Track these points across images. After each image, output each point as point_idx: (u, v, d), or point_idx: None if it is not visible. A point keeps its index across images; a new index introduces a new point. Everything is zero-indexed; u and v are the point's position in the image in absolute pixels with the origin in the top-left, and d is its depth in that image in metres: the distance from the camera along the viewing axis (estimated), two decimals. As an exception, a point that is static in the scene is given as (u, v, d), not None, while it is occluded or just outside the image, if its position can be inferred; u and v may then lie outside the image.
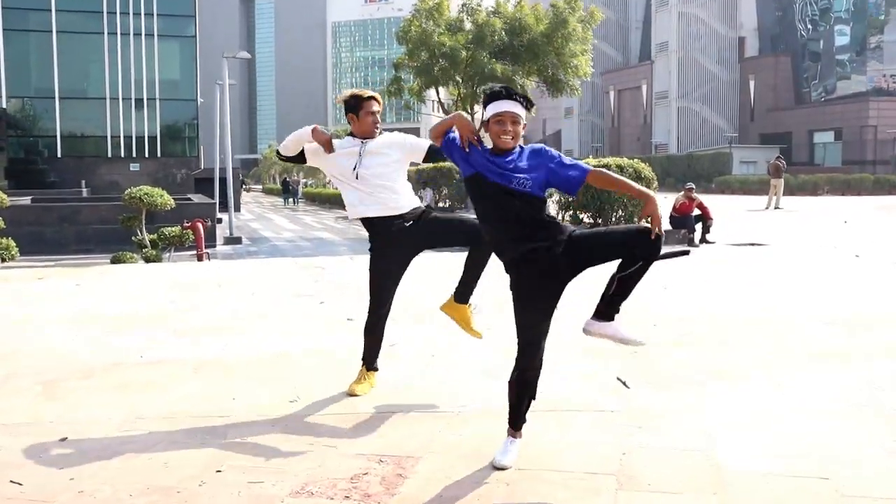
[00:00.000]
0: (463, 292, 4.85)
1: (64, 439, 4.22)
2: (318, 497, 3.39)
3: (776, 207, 26.56)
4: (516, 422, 3.78)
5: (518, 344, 3.70)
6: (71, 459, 3.90)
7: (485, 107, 3.74)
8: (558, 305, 3.73)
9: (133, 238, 14.55)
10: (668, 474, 3.54)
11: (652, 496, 3.32)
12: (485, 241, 4.32)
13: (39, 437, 4.27)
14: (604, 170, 3.81)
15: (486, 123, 3.70)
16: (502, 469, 3.60)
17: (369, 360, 5.00)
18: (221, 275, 11.53)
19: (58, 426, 4.44)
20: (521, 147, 3.71)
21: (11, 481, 3.62)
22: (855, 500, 3.27)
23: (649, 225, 3.55)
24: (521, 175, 3.61)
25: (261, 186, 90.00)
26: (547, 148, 3.75)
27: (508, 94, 3.65)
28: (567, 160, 3.69)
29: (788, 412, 4.47)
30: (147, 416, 4.61)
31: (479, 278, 4.81)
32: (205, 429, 4.36)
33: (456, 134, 3.81)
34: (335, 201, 49.83)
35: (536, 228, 3.64)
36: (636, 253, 3.57)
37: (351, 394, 4.82)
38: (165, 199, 14.19)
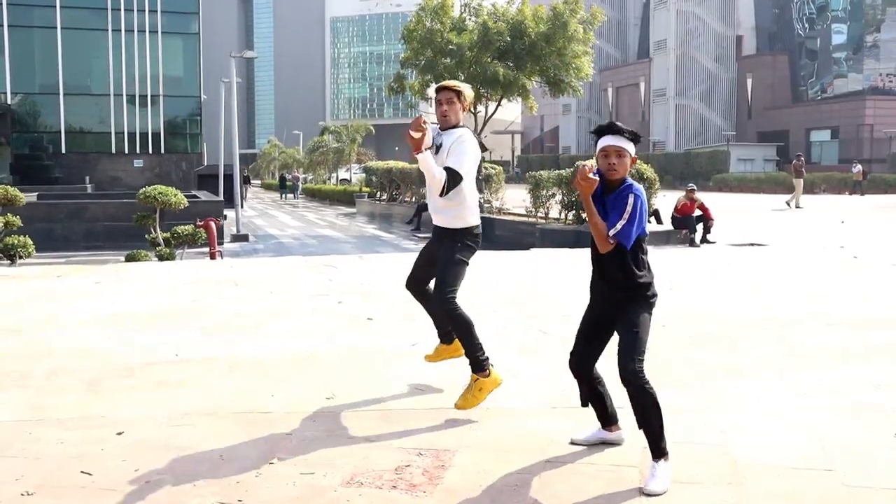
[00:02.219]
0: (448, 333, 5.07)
1: (121, 433, 4.51)
2: (368, 487, 3.69)
3: (797, 206, 26.78)
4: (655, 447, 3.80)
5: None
6: (131, 452, 4.19)
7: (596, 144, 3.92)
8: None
9: (146, 237, 14.82)
10: (687, 467, 3.85)
11: (672, 486, 3.63)
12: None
13: (95, 431, 4.55)
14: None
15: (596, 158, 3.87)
16: (652, 495, 3.58)
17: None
18: (237, 274, 11.80)
19: (110, 421, 4.73)
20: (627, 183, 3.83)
21: (82, 472, 3.91)
22: (858, 490, 3.58)
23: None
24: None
25: (259, 182, 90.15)
26: (633, 189, 3.80)
27: (611, 129, 3.81)
28: (624, 214, 3.77)
29: (795, 409, 4.78)
30: (192, 412, 4.90)
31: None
32: (249, 424, 4.65)
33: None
34: (336, 198, 50.16)
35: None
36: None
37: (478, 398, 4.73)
38: (179, 199, 14.47)
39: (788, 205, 27.22)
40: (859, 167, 41.34)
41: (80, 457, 4.12)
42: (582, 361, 4.06)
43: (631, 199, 3.75)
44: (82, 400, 5.22)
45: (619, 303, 3.88)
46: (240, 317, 8.14)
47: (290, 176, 65.52)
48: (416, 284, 5.03)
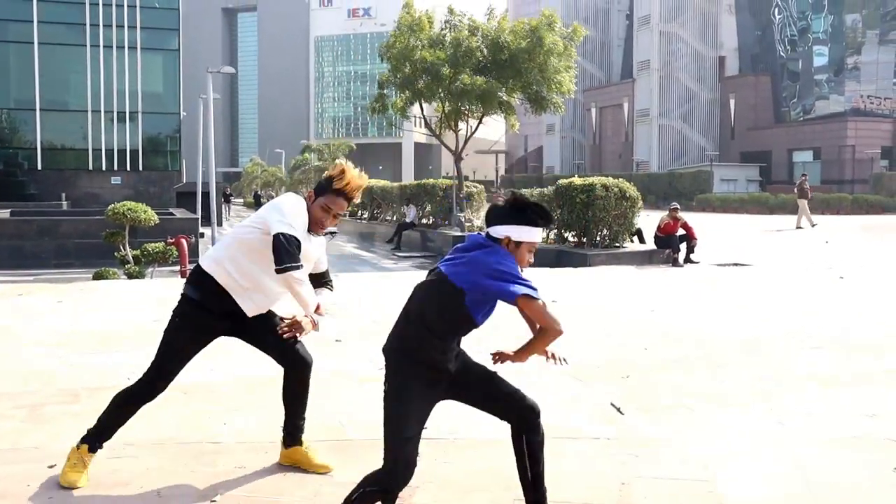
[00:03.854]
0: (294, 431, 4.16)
1: (52, 466, 4.14)
2: (316, 529, 3.33)
3: (798, 227, 26.40)
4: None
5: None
6: (60, 488, 3.82)
7: (515, 223, 3.12)
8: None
9: (115, 254, 14.40)
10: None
11: (653, 529, 3.29)
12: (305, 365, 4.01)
13: (25, 463, 4.19)
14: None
15: (514, 244, 3.10)
16: None
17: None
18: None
19: (43, 453, 4.35)
20: None
21: (-1, 512, 3.54)
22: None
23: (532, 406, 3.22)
24: None
25: (242, 200, 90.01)
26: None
27: (547, 222, 3.16)
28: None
29: (784, 439, 4.46)
30: (136, 443, 4.53)
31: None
32: (196, 457, 4.29)
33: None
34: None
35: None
36: (513, 422, 3.22)
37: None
38: (149, 215, 14.06)
39: (800, 227, 26.68)
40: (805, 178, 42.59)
41: (2, 496, 3.74)
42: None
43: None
44: (18, 428, 4.84)
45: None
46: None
47: (263, 193, 68.16)
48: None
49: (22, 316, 9.13)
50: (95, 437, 4.00)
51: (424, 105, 28.21)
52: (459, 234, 22.89)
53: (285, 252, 3.56)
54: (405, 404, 3.07)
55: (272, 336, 3.91)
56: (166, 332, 3.98)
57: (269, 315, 4.04)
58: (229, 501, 3.65)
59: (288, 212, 3.66)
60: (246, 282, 3.82)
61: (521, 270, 3.05)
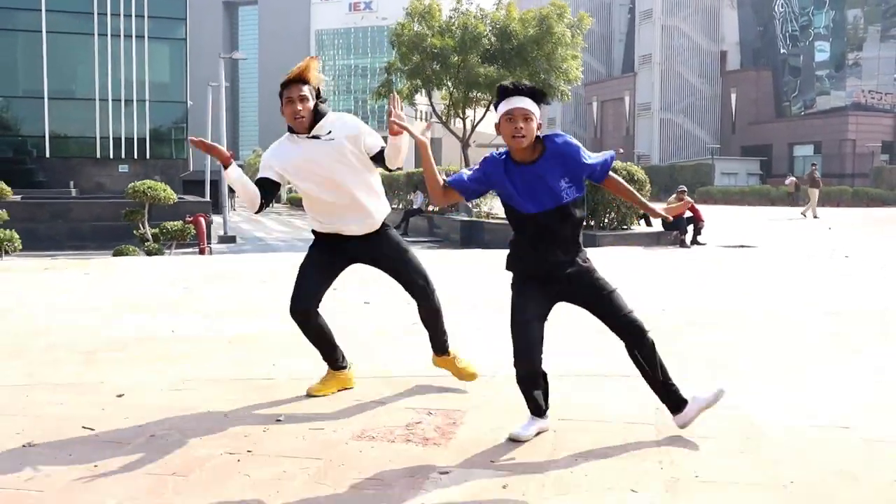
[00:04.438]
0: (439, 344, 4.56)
1: (121, 396, 4.42)
2: (380, 440, 3.61)
3: (815, 217, 26.32)
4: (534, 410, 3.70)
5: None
6: (133, 412, 4.09)
7: (496, 108, 3.48)
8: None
9: (135, 232, 14.67)
10: (701, 424, 3.79)
11: (690, 441, 3.57)
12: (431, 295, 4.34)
13: (94, 395, 4.46)
14: (619, 179, 3.65)
15: (497, 126, 3.46)
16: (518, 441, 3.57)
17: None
18: (227, 266, 11.71)
19: (108, 387, 4.63)
20: (544, 145, 3.46)
21: (83, 427, 3.82)
22: (877, 444, 3.53)
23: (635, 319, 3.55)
24: (557, 185, 3.43)
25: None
26: (568, 141, 3.48)
27: (517, 89, 3.37)
28: (588, 157, 3.48)
29: (804, 375, 4.75)
30: (192, 379, 4.81)
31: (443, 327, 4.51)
32: (253, 389, 4.57)
33: (456, 175, 3.58)
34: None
35: (568, 244, 3.53)
36: (624, 340, 3.58)
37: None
38: (168, 193, 14.35)
39: (804, 215, 26.81)
40: (792, 178, 44.42)
41: (81, 416, 4.03)
42: (538, 354, 3.55)
43: (578, 144, 3.47)
44: (78, 370, 5.12)
45: (574, 271, 3.54)
46: (236, 302, 8.06)
47: None
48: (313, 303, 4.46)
49: (55, 287, 9.41)
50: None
51: (432, 92, 28.44)
52: (466, 219, 23.17)
53: None
54: (521, 296, 3.57)
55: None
56: None
57: (397, 248, 4.41)
58: (293, 422, 3.92)
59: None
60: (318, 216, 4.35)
61: (512, 146, 3.41)
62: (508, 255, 3.61)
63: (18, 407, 4.20)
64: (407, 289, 4.40)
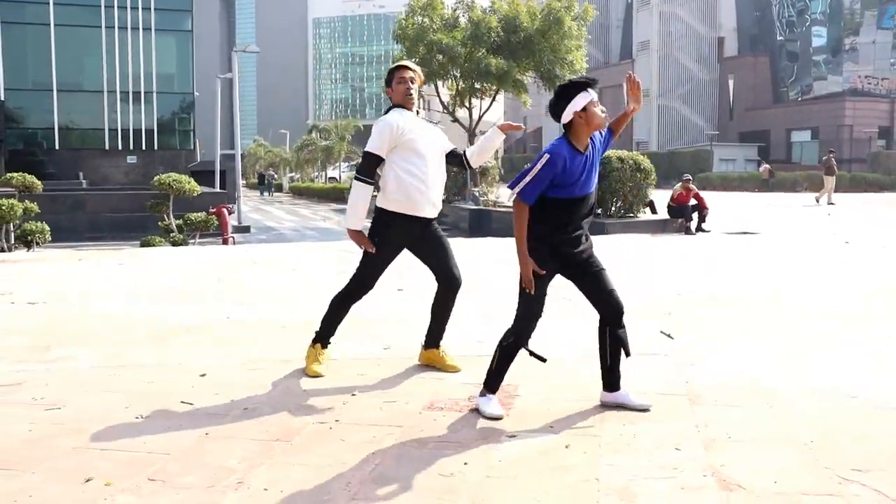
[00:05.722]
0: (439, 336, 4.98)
1: (204, 375, 4.91)
2: (449, 410, 4.13)
3: (829, 203, 26.42)
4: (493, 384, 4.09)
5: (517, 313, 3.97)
6: (220, 389, 4.58)
7: (568, 100, 3.76)
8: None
9: (159, 223, 15.15)
10: (728, 393, 4.31)
11: (720, 408, 4.09)
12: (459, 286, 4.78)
13: (178, 374, 4.95)
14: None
15: (579, 114, 3.74)
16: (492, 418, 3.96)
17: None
18: (254, 255, 12.18)
19: (188, 367, 5.11)
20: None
21: (182, 401, 4.32)
22: (881, 409, 4.05)
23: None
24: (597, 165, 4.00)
25: (244, 181, 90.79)
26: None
27: (595, 82, 3.80)
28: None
29: (814, 351, 5.26)
30: (263, 360, 5.30)
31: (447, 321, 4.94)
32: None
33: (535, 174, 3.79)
34: (325, 195, 50.58)
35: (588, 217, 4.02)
36: (603, 315, 3.99)
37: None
38: (193, 186, 14.84)
39: (818, 201, 26.95)
40: (766, 166, 46.69)
41: (176, 392, 4.51)
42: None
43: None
44: (154, 352, 5.58)
45: (588, 246, 3.99)
46: (273, 289, 8.53)
47: (267, 174, 70.98)
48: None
49: (94, 275, 9.84)
50: (323, 336, 4.97)
51: (439, 84, 28.86)
52: (474, 207, 23.65)
53: (361, 164, 4.64)
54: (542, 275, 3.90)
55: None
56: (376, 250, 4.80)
57: (437, 237, 4.83)
58: (367, 395, 4.43)
59: (372, 135, 4.61)
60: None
61: (601, 127, 3.84)
62: (538, 238, 3.84)
63: (116, 386, 4.69)
64: (439, 273, 4.85)
